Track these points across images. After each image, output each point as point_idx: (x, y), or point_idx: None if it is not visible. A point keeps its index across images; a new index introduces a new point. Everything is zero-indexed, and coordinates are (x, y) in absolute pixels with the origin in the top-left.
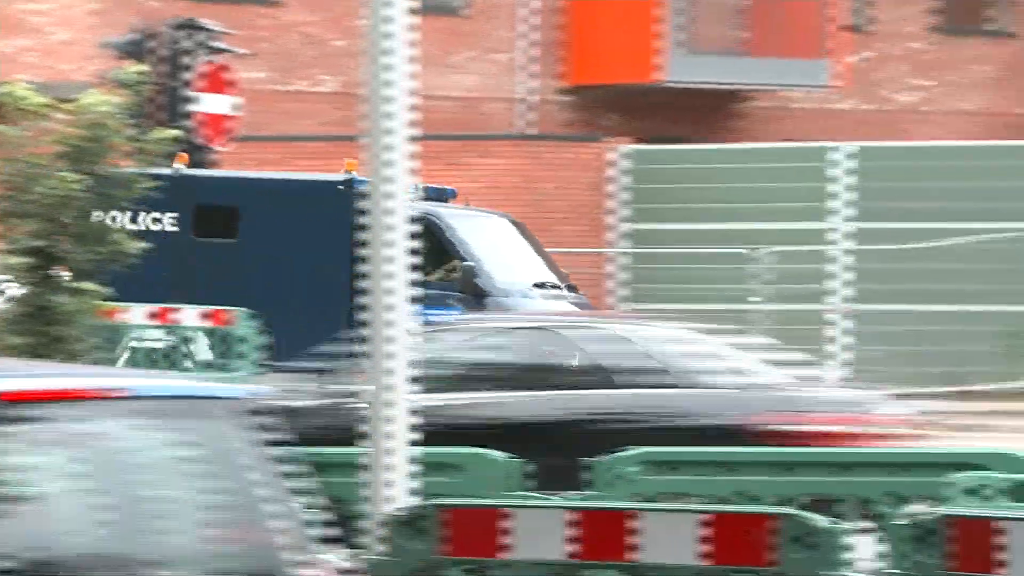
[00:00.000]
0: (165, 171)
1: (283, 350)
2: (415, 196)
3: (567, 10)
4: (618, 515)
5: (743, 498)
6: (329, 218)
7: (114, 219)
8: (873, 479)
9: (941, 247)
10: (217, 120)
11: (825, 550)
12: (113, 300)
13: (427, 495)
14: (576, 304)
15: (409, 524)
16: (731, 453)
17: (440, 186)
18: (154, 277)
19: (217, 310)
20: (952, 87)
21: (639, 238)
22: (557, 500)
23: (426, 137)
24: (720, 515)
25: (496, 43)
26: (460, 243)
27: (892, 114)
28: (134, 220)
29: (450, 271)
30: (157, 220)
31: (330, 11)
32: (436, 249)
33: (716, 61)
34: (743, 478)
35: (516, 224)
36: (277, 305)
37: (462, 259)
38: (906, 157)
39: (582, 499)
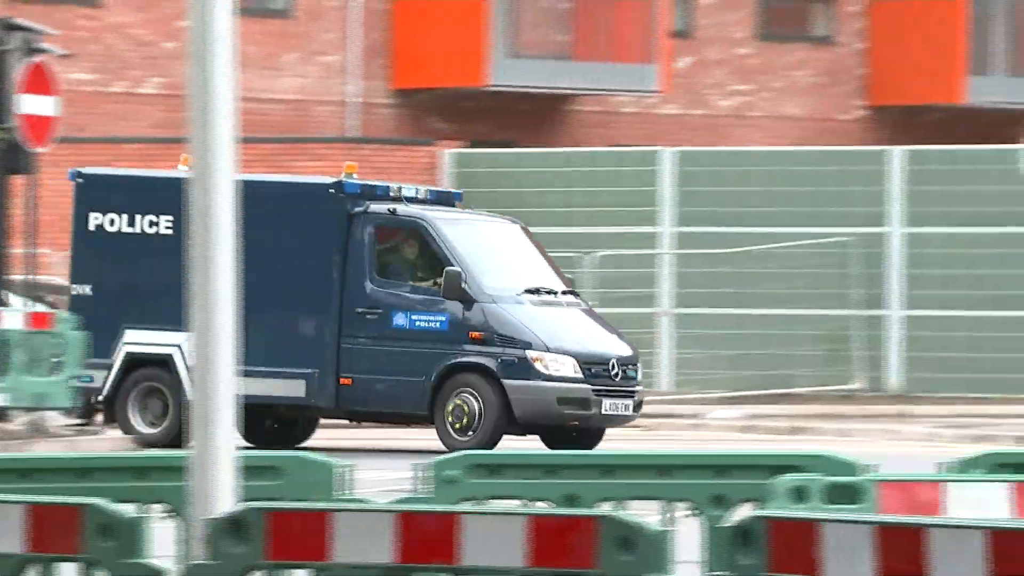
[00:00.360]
0: (166, 173)
1: (275, 351)
2: (416, 199)
3: (394, 13)
4: (443, 518)
5: (568, 500)
6: (318, 221)
7: (112, 222)
8: (697, 481)
9: (764, 251)
10: (40, 122)
11: (647, 552)
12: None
13: (250, 498)
14: (573, 307)
15: (232, 528)
16: (557, 456)
17: (444, 189)
18: (151, 280)
19: (37, 313)
20: (774, 92)
21: None
22: (382, 503)
23: (254, 140)
24: (544, 518)
25: (323, 46)
26: (449, 248)
27: (716, 119)
28: (131, 223)
29: (439, 277)
30: (153, 223)
31: (155, 13)
32: (426, 254)
33: (542, 65)
34: (569, 481)
35: (524, 230)
36: (269, 307)
37: (449, 264)
38: (729, 162)
39: (407, 502)
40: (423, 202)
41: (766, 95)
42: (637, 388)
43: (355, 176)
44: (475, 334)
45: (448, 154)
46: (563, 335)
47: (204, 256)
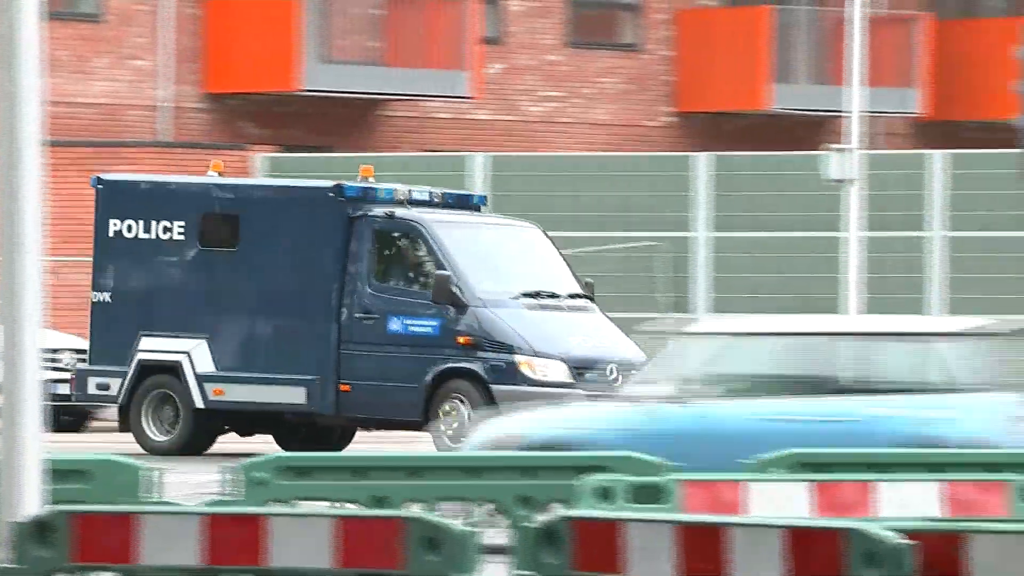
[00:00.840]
0: (181, 179)
1: (276, 357)
2: (429, 203)
3: (206, 18)
4: (249, 519)
5: (377, 502)
6: (318, 225)
7: (129, 228)
8: (504, 482)
9: (574, 256)
10: None
11: (452, 552)
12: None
13: (57, 501)
14: (578, 311)
15: (38, 531)
16: (365, 458)
17: (465, 193)
18: (166, 287)
19: None
20: (584, 98)
21: None
22: (188, 505)
23: (65, 143)
24: (351, 519)
25: (135, 50)
26: (443, 252)
27: (527, 124)
28: (147, 230)
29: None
30: (167, 229)
31: None
32: (421, 258)
33: (354, 70)
34: (377, 482)
35: (543, 234)
36: (270, 313)
37: (442, 268)
38: (540, 167)
39: (215, 504)
40: (437, 205)
41: (576, 101)
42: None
43: (371, 179)
44: (463, 339)
45: (260, 158)
46: (555, 339)
47: (10, 258)
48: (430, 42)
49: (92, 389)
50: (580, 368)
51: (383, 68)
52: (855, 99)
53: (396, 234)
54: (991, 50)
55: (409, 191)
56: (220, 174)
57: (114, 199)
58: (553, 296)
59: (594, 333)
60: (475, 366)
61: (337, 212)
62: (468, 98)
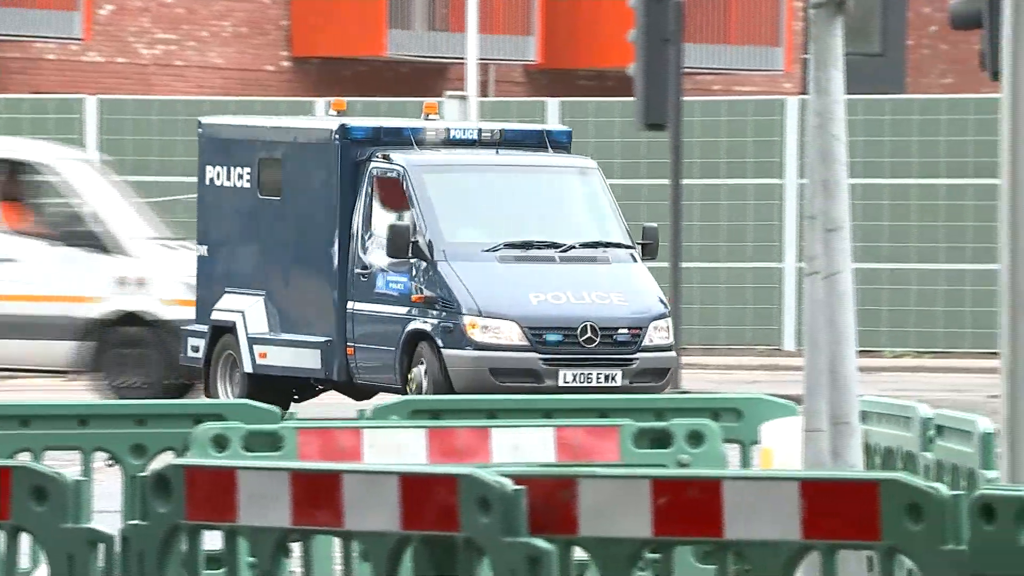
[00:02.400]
0: (262, 121)
1: (299, 317)
2: (476, 141)
3: None
4: None
5: None
6: (324, 172)
7: (218, 176)
8: (116, 431)
9: (172, 201)
10: None
11: (61, 502)
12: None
13: None
14: (585, 262)
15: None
16: None
17: (532, 128)
18: (239, 239)
19: None
20: (199, 42)
21: None
22: None
23: None
24: None
25: None
26: (419, 199)
27: (141, 67)
28: (228, 177)
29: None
30: (241, 176)
31: None
32: (405, 206)
33: None
34: None
35: (598, 176)
36: (298, 267)
37: (417, 216)
38: (153, 110)
39: None
40: (488, 144)
41: (191, 44)
42: (635, 356)
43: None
44: (416, 297)
45: None
46: (513, 296)
47: None
48: None
49: (189, 352)
50: (540, 328)
51: None
52: (471, 46)
53: (388, 180)
54: None
55: (448, 130)
56: (340, 112)
57: (208, 145)
58: (554, 246)
59: (581, 289)
60: (429, 327)
61: (343, 156)
62: (79, 39)
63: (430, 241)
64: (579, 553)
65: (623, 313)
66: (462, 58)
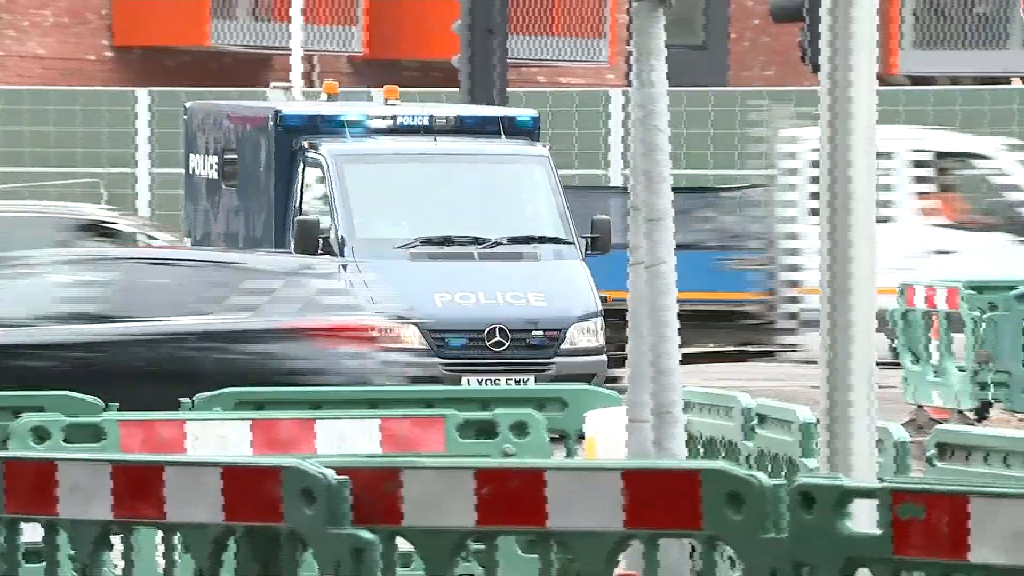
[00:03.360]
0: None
1: None
2: (426, 128)
3: None
4: None
5: None
6: (265, 161)
7: (199, 164)
8: None
9: (10, 191)
10: None
11: None
12: None
13: None
14: (509, 259)
15: None
16: None
17: (491, 114)
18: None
19: None
20: (20, 31)
21: None
22: None
23: None
24: None
25: None
26: (337, 192)
27: None
28: (203, 167)
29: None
30: (212, 165)
31: None
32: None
33: None
34: None
35: (547, 169)
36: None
37: (333, 211)
38: None
39: None
40: (444, 131)
41: (11, 34)
42: (552, 360)
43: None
44: None
45: None
46: (415, 297)
47: None
48: None
49: None
50: (441, 332)
51: None
52: (295, 37)
53: (314, 173)
54: None
55: (395, 117)
56: (331, 96)
57: (187, 132)
58: (476, 242)
59: (500, 287)
60: None
61: (278, 145)
62: None
63: (342, 237)
64: (404, 544)
65: (539, 314)
66: (287, 48)
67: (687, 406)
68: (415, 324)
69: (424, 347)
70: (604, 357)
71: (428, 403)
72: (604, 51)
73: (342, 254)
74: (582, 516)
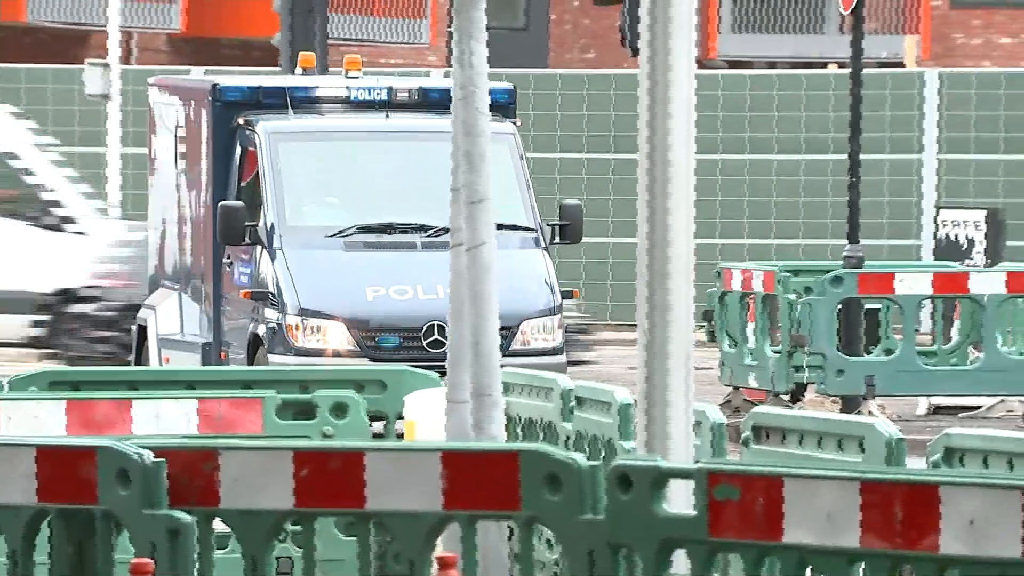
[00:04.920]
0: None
1: (188, 317)
2: (387, 103)
3: None
4: None
5: None
6: (206, 138)
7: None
8: None
9: None
10: None
11: None
12: None
13: None
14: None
15: None
16: None
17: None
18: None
19: None
20: None
21: None
22: None
23: None
24: None
25: None
26: (272, 174)
27: None
28: (163, 148)
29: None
30: (169, 148)
31: None
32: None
33: None
34: None
35: (513, 148)
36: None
37: (263, 197)
38: None
39: None
40: (405, 106)
41: None
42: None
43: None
44: (244, 292)
45: None
46: (347, 291)
47: None
48: None
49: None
50: (372, 330)
51: None
52: (112, 13)
53: (252, 152)
54: None
55: (348, 90)
56: (305, 71)
57: (149, 109)
58: (421, 229)
59: (443, 280)
60: (260, 330)
61: (216, 122)
62: None
63: (272, 224)
64: (221, 525)
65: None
66: (104, 25)
67: (506, 388)
68: (343, 321)
69: (352, 347)
70: (563, 358)
71: (246, 384)
72: (425, 31)
73: (270, 243)
74: (401, 498)
